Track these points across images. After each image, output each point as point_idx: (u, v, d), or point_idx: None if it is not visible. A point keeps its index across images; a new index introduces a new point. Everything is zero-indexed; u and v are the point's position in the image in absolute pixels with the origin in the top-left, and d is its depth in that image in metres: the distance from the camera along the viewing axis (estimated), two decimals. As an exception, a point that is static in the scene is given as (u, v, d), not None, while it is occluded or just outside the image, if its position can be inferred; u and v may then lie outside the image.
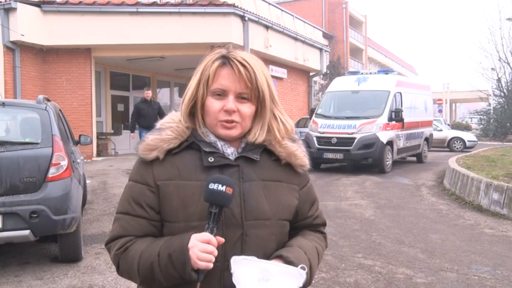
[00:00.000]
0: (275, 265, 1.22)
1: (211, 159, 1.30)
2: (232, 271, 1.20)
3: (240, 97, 1.30)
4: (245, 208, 1.28)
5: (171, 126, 1.34)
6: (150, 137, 1.34)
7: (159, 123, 1.38)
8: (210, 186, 1.20)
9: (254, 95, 1.31)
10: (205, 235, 1.19)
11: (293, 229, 1.42)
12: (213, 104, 1.30)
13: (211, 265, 1.18)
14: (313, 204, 1.47)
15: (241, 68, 1.29)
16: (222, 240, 1.21)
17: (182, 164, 1.31)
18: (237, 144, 1.36)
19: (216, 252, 1.19)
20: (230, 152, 1.33)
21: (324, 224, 1.52)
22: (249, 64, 1.30)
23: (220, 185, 1.19)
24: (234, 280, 1.19)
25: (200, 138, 1.33)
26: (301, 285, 1.21)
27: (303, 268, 1.22)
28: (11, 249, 5.22)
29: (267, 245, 1.31)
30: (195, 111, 1.35)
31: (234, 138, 1.33)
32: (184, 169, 1.31)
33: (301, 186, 1.42)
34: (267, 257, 1.28)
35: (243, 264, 1.20)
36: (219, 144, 1.33)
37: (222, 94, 1.30)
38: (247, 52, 1.38)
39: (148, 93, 11.75)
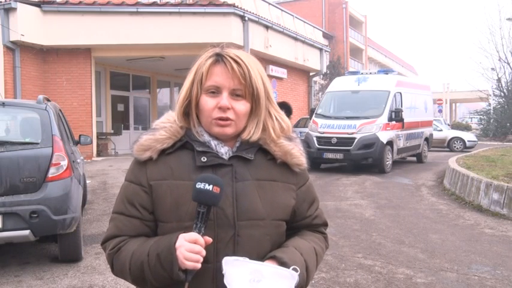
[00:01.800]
0: (267, 266, 1.21)
1: (204, 158, 1.29)
2: (223, 272, 1.19)
3: (234, 94, 1.29)
4: (238, 208, 1.27)
5: (165, 126, 1.34)
6: (144, 137, 1.34)
7: (154, 123, 1.37)
8: (197, 186, 1.19)
9: (248, 92, 1.29)
10: (193, 235, 1.17)
11: (292, 229, 1.40)
12: (207, 102, 1.29)
13: (199, 265, 1.17)
14: (313, 203, 1.44)
15: (235, 65, 1.27)
16: (210, 240, 1.19)
17: (175, 163, 1.31)
18: (232, 144, 1.34)
19: (203, 252, 1.17)
20: (224, 151, 1.32)
21: (325, 224, 1.49)
22: (242, 61, 1.29)
23: (207, 184, 1.18)
24: (225, 281, 1.18)
25: (194, 138, 1.33)
26: (293, 287, 1.20)
27: (295, 270, 1.21)
28: (11, 249, 5.22)
29: (261, 246, 1.29)
30: (189, 110, 1.34)
31: (229, 136, 1.32)
32: (177, 169, 1.30)
33: (299, 185, 1.40)
34: (261, 257, 1.27)
35: (235, 265, 1.19)
36: (213, 143, 1.32)
37: (215, 91, 1.29)
38: (245, 51, 1.36)
39: None
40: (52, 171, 4.49)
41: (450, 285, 4.25)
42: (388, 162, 12.38)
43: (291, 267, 1.21)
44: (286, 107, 9.12)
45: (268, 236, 1.31)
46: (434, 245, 5.59)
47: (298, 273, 1.21)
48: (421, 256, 5.11)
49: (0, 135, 5.17)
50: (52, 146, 4.57)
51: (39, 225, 4.35)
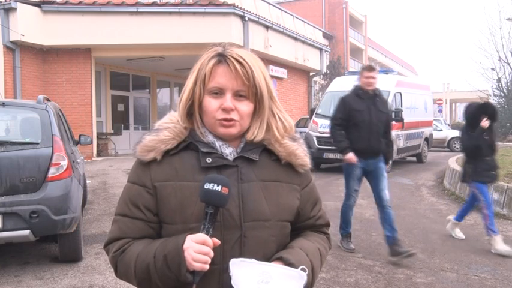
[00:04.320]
0: (275, 267, 1.20)
1: (209, 159, 1.28)
2: (231, 274, 1.18)
3: (237, 95, 1.28)
4: (244, 209, 1.26)
5: (168, 126, 1.32)
6: (148, 138, 1.32)
7: (157, 124, 1.36)
8: (205, 186, 1.18)
9: (252, 92, 1.29)
10: (201, 236, 1.16)
11: (295, 230, 1.39)
12: (211, 103, 1.28)
13: (207, 267, 1.16)
14: (316, 204, 1.44)
15: (238, 65, 1.26)
16: (218, 242, 1.18)
17: (180, 165, 1.29)
18: (236, 144, 1.33)
19: (211, 254, 1.16)
20: (229, 152, 1.31)
21: (328, 225, 1.49)
22: (245, 61, 1.27)
23: (215, 185, 1.17)
24: (233, 283, 1.17)
25: (198, 139, 1.31)
26: (301, 287, 1.19)
27: (303, 270, 1.20)
28: (11, 249, 5.22)
29: (267, 247, 1.28)
30: (192, 111, 1.33)
31: (233, 136, 1.31)
32: (182, 170, 1.29)
33: (303, 186, 1.39)
34: (267, 258, 1.26)
35: (242, 267, 1.18)
36: (217, 144, 1.31)
37: (219, 92, 1.28)
38: (245, 50, 1.36)
39: (370, 77, 5.12)
40: (52, 171, 4.49)
41: (450, 285, 4.25)
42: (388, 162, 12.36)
43: (299, 268, 1.20)
44: (490, 111, 5.62)
45: (274, 237, 1.30)
46: (434, 245, 5.59)
47: (307, 273, 1.20)
48: (421, 256, 5.11)
49: (0, 135, 5.17)
50: (52, 146, 4.57)
51: (39, 225, 4.35)
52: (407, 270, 4.64)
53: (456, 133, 21.84)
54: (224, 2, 15.14)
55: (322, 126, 12.55)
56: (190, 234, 1.19)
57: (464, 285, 4.25)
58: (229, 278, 1.19)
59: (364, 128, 4.98)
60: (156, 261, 1.20)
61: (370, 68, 5.18)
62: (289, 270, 1.20)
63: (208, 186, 1.17)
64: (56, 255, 5.00)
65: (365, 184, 9.93)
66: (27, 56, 12.94)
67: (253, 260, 1.20)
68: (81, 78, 13.75)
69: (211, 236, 1.17)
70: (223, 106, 1.27)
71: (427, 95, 15.67)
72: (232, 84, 1.27)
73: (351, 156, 4.98)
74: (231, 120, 1.27)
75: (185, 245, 1.16)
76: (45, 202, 4.38)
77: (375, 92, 5.14)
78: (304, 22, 22.52)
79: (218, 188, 1.17)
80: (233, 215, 1.25)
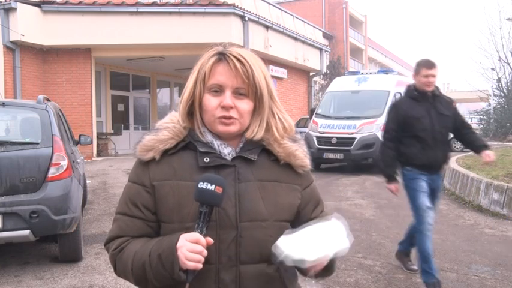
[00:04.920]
0: (311, 226, 1.24)
1: (206, 159, 1.29)
2: (284, 253, 1.20)
3: (237, 93, 1.29)
4: (240, 209, 1.27)
5: (168, 126, 1.34)
6: (147, 138, 1.34)
7: (158, 124, 1.37)
8: (199, 186, 1.19)
9: (251, 90, 1.29)
10: (194, 235, 1.17)
11: None
12: (210, 101, 1.29)
13: (200, 265, 1.16)
14: (318, 206, 1.44)
15: (238, 64, 1.27)
16: (211, 241, 1.19)
17: (178, 164, 1.31)
18: (235, 144, 1.34)
19: (205, 253, 1.17)
20: (227, 152, 1.32)
21: None
22: (245, 60, 1.28)
23: (209, 184, 1.18)
24: (293, 258, 1.20)
25: (197, 138, 1.32)
26: (345, 228, 1.24)
27: (335, 217, 1.24)
28: (11, 249, 5.22)
29: (264, 247, 1.28)
30: (193, 110, 1.34)
31: (233, 134, 1.32)
32: (180, 169, 1.30)
33: (304, 186, 1.40)
34: (264, 259, 1.27)
35: (287, 241, 1.21)
36: (216, 144, 1.32)
37: (218, 90, 1.28)
38: (245, 49, 1.36)
39: (430, 76, 4.00)
40: (52, 171, 4.49)
41: (450, 285, 4.25)
42: (388, 162, 12.33)
43: (331, 217, 1.25)
44: None
45: (272, 237, 1.29)
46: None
47: (339, 217, 1.25)
48: (421, 256, 5.11)
49: (0, 135, 5.17)
50: (52, 146, 4.57)
51: (39, 225, 4.35)
52: (408, 270, 4.63)
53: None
54: (224, 2, 15.15)
55: (322, 126, 12.57)
56: (183, 232, 1.20)
57: (464, 285, 4.25)
58: (226, 277, 1.21)
59: (426, 138, 4.00)
60: (151, 260, 1.22)
61: (430, 64, 4.01)
62: (324, 222, 1.24)
63: (202, 185, 1.18)
64: (56, 255, 5.00)
65: (364, 184, 9.85)
66: (27, 56, 12.95)
67: (289, 231, 1.24)
68: (81, 78, 13.77)
69: (205, 235, 1.18)
70: (222, 104, 1.27)
71: (427, 95, 15.67)
72: (231, 82, 1.28)
73: (393, 188, 4.26)
74: (230, 118, 1.28)
75: (178, 244, 1.17)
76: (45, 202, 4.38)
77: (434, 92, 4.06)
78: (304, 22, 22.53)
79: (212, 187, 1.18)
80: (229, 215, 1.26)
